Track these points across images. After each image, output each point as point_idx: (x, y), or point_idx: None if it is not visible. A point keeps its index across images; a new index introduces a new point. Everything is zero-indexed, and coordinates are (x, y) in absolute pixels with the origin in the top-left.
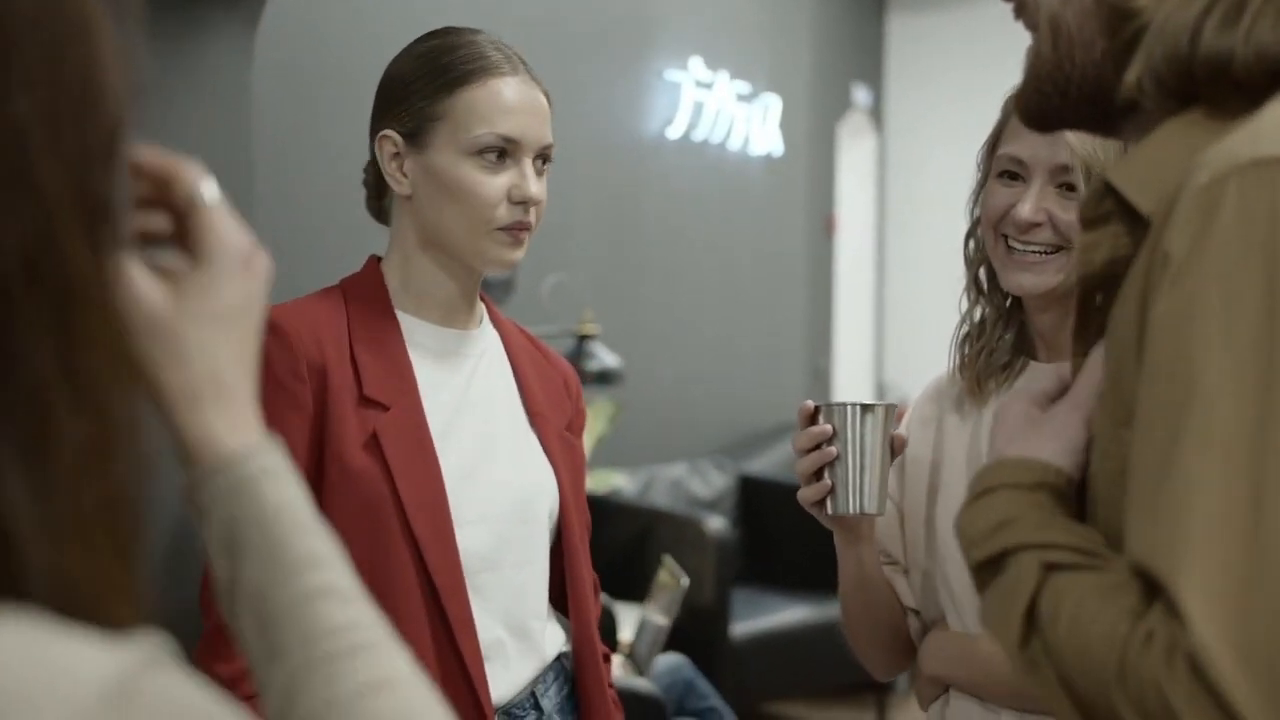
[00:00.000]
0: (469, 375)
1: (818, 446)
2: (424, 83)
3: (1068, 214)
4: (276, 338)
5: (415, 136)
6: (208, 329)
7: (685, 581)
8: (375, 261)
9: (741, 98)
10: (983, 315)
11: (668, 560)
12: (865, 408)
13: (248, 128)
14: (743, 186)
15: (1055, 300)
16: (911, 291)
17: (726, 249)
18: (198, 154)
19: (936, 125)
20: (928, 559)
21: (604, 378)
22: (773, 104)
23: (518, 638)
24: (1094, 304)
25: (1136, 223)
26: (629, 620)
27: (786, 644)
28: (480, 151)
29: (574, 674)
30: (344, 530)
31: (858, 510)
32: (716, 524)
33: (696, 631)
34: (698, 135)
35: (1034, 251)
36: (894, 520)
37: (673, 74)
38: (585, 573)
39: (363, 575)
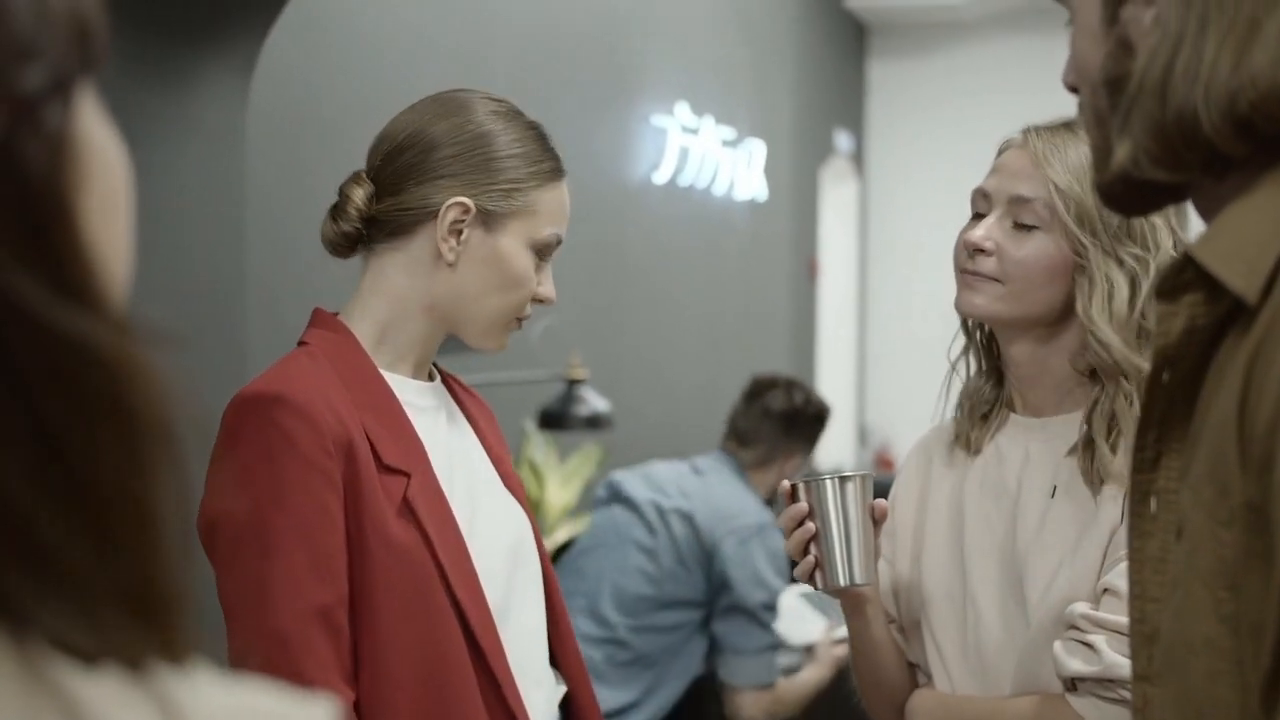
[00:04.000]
0: (449, 427)
1: (801, 523)
2: (523, 167)
3: (1018, 249)
4: (295, 413)
5: (494, 215)
6: None
7: None
8: (332, 316)
9: (726, 143)
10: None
11: None
12: (841, 480)
13: (241, 172)
14: (727, 231)
15: (1024, 342)
16: (893, 335)
17: (711, 293)
18: (191, 198)
19: (917, 170)
20: (916, 616)
21: (593, 422)
22: (756, 149)
23: (533, 683)
24: (1162, 380)
25: (1216, 295)
26: None
27: None
28: (539, 248)
29: (570, 694)
30: (393, 609)
31: (847, 582)
32: None
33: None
34: (683, 180)
35: (976, 274)
36: (887, 579)
37: (659, 119)
38: (564, 612)
39: (416, 653)
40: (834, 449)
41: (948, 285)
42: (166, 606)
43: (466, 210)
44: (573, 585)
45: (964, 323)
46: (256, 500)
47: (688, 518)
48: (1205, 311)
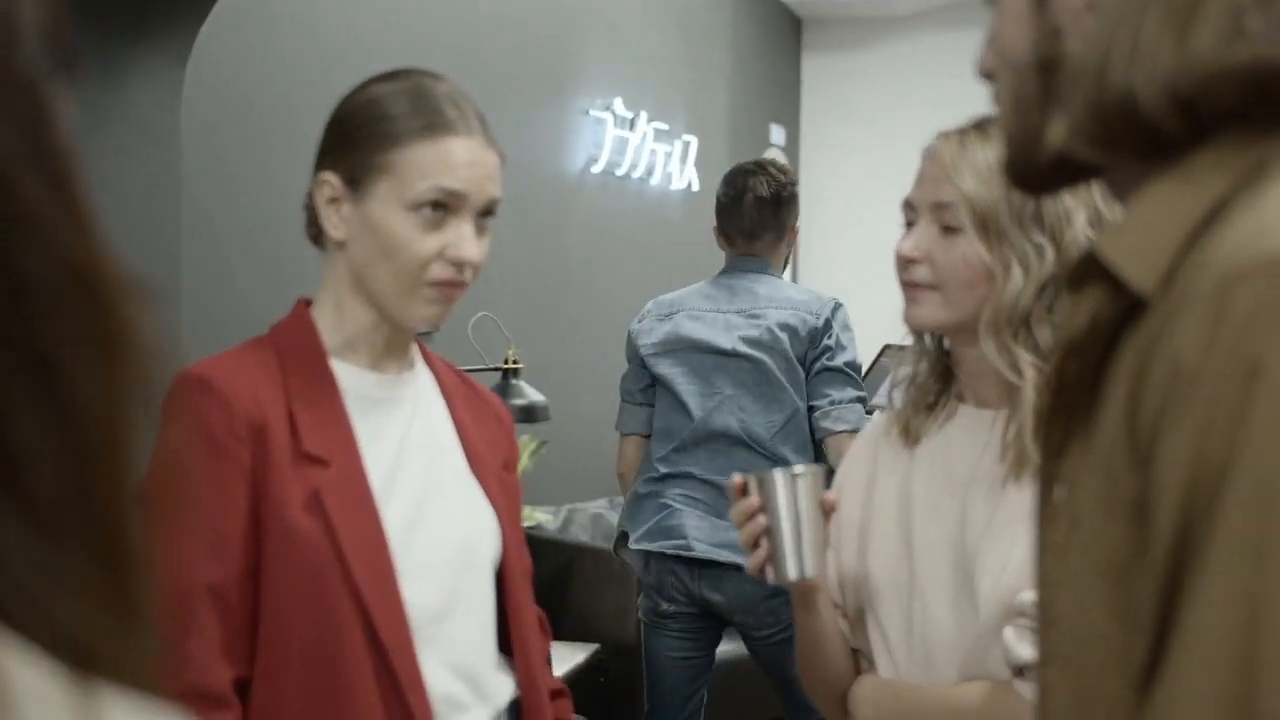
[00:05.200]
0: (407, 421)
1: (752, 517)
2: (371, 131)
3: (947, 255)
4: (212, 396)
5: (356, 184)
6: None
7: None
8: (305, 306)
9: (661, 135)
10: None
11: None
12: (793, 475)
13: (175, 164)
14: (663, 222)
15: (969, 341)
16: None
17: (646, 285)
18: (125, 190)
19: (849, 163)
20: (862, 604)
21: (529, 414)
22: (692, 142)
23: (471, 688)
24: (1073, 372)
25: (1119, 288)
26: (556, 657)
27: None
28: (419, 207)
29: (522, 714)
30: (288, 594)
31: (798, 576)
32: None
33: (619, 666)
34: (620, 172)
35: (913, 285)
36: (833, 567)
37: (596, 113)
38: (529, 613)
39: (309, 638)
40: None
41: (878, 275)
42: (129, 564)
43: (334, 185)
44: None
45: None
46: (161, 475)
47: (784, 326)
48: (1109, 303)
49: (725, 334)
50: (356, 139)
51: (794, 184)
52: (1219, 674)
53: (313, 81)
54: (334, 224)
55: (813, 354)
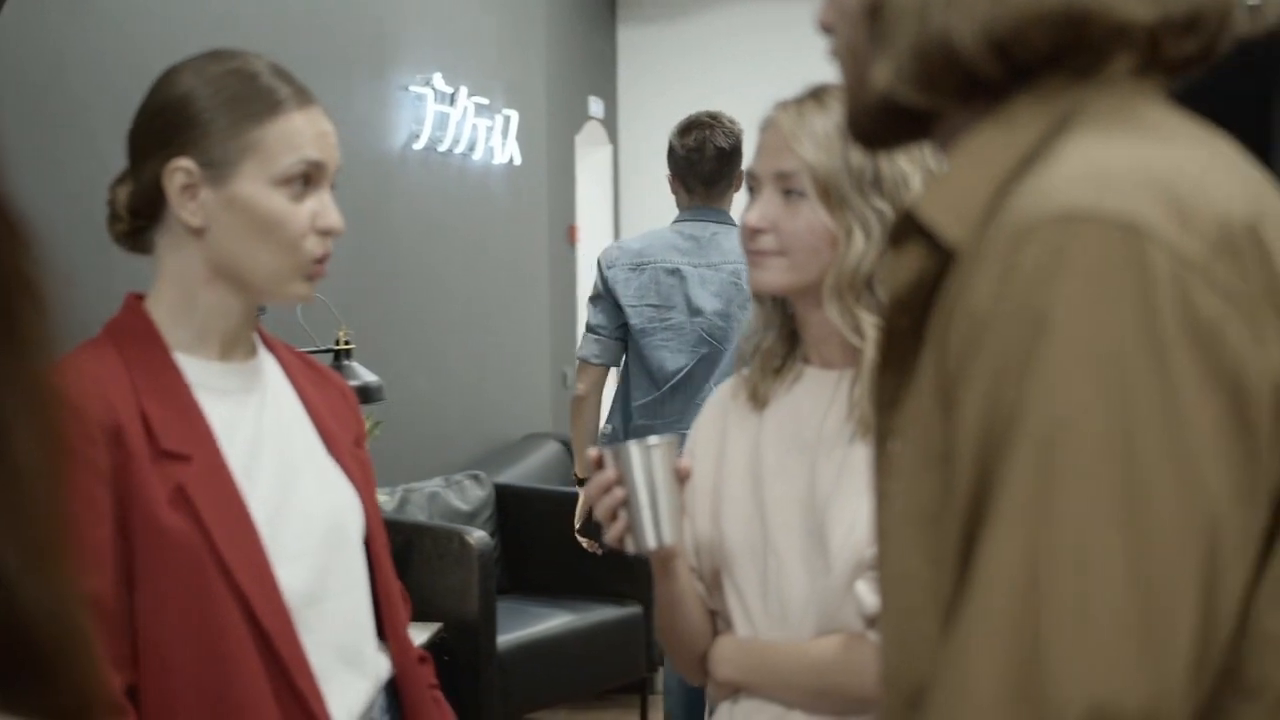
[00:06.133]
0: (258, 408)
1: (609, 490)
2: (228, 111)
3: (792, 222)
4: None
5: (217, 168)
6: None
7: None
8: (137, 300)
9: (481, 109)
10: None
11: None
12: (648, 447)
13: None
14: (487, 198)
15: (814, 305)
16: None
17: (474, 262)
18: None
19: (665, 133)
20: (717, 564)
21: (364, 394)
22: (512, 117)
23: (351, 666)
24: (900, 326)
25: (937, 243)
26: None
27: (550, 651)
28: (290, 181)
29: (396, 681)
30: (165, 593)
31: (656, 544)
32: (477, 536)
33: (462, 644)
34: (442, 147)
35: (761, 252)
36: (687, 531)
37: (416, 88)
38: (394, 584)
39: (191, 635)
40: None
41: None
42: (55, 551)
43: (189, 172)
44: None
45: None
46: None
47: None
48: (928, 258)
49: (701, 289)
50: (209, 120)
51: (742, 134)
52: (1006, 615)
53: (125, 60)
54: (190, 212)
55: None
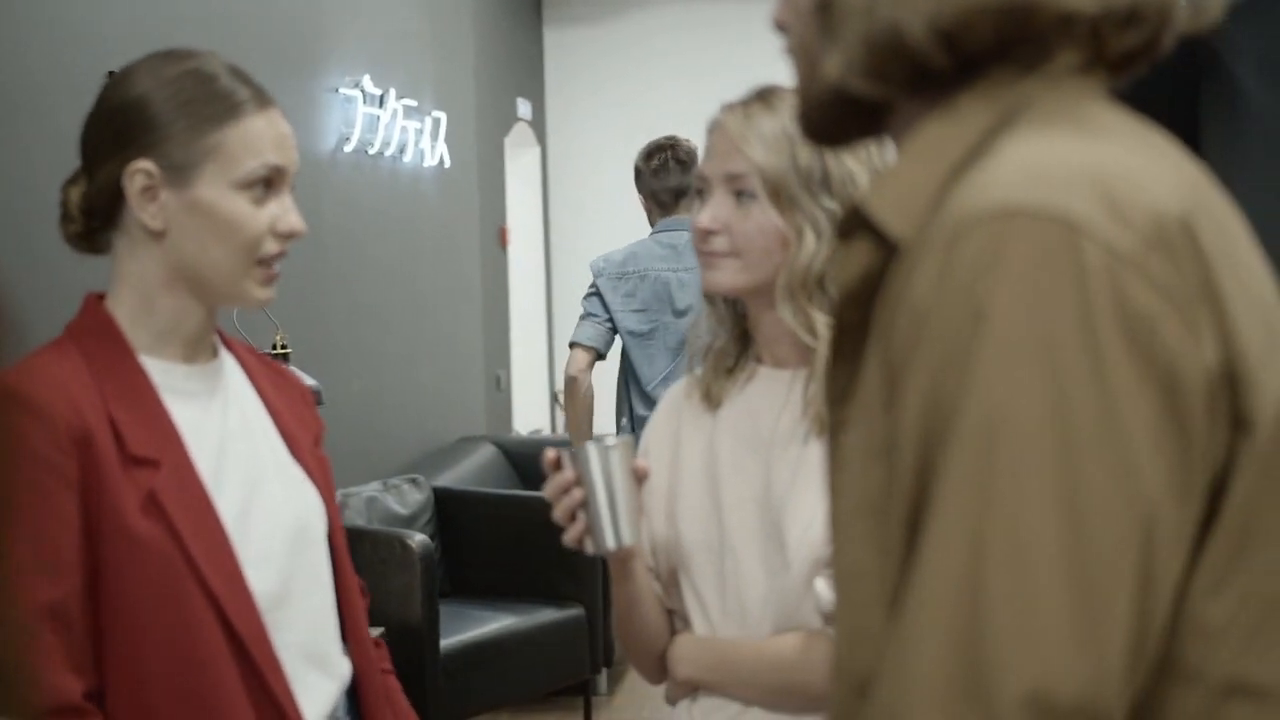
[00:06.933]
0: (223, 411)
1: (567, 491)
2: (187, 114)
3: (744, 223)
4: (29, 410)
5: (178, 170)
6: None
7: None
8: (97, 301)
9: (410, 112)
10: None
11: None
12: (605, 448)
13: None
14: (418, 200)
15: (766, 305)
16: (577, 297)
17: (406, 265)
18: None
19: (592, 134)
20: (674, 563)
21: None
22: (441, 118)
23: (317, 666)
24: (850, 320)
25: (884, 239)
26: None
27: (493, 654)
28: (251, 185)
29: (356, 683)
30: (136, 599)
31: (615, 545)
32: (418, 539)
33: (405, 649)
34: (372, 150)
35: (713, 253)
36: (643, 531)
37: (346, 90)
38: (353, 583)
39: (164, 640)
40: (529, 414)
41: (624, 242)
42: None
43: (150, 174)
44: None
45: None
46: None
47: None
48: (875, 252)
49: (682, 292)
50: (168, 123)
51: (696, 149)
52: (947, 604)
53: (50, 62)
54: (151, 214)
55: None
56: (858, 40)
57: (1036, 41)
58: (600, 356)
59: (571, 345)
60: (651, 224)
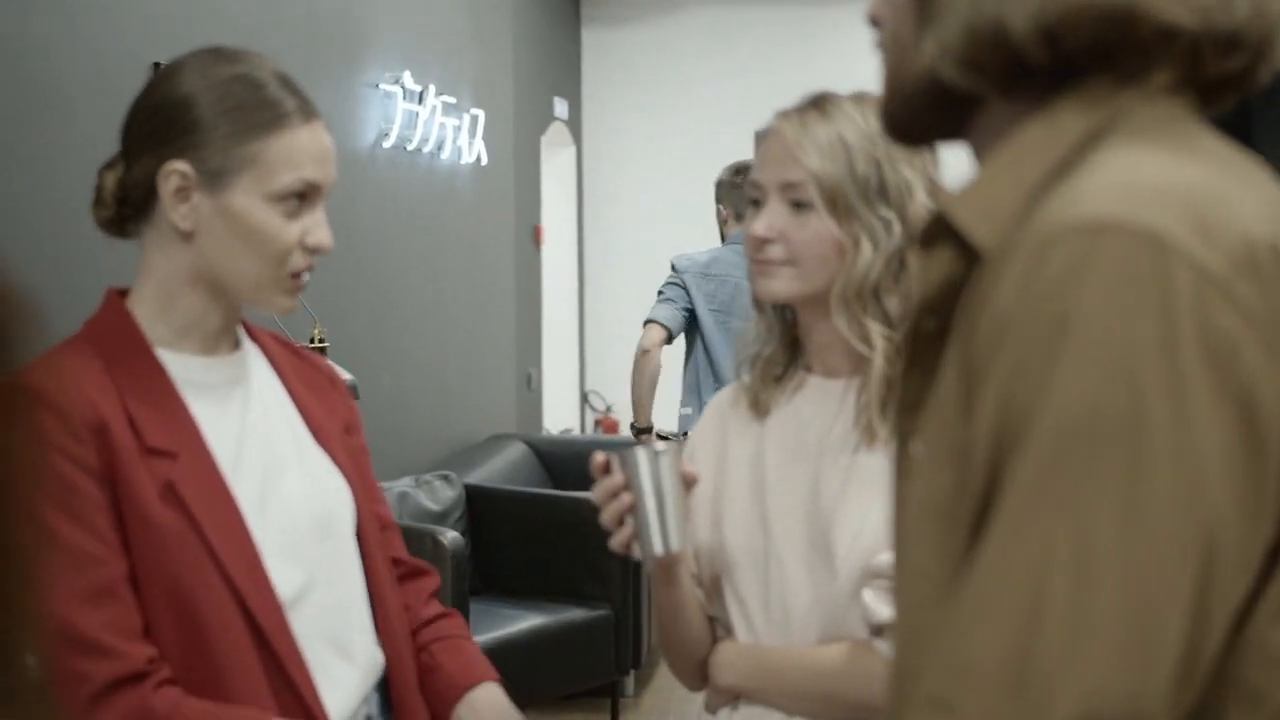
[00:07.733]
0: (243, 401)
1: (616, 495)
2: (231, 120)
3: (800, 232)
4: (45, 405)
5: (214, 175)
6: None
7: None
8: (118, 297)
9: (449, 109)
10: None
11: None
12: (655, 453)
13: None
14: (454, 197)
15: (820, 313)
16: (609, 298)
17: (441, 261)
18: None
19: (628, 135)
20: (717, 570)
21: None
22: (479, 117)
23: (343, 656)
24: (927, 328)
25: (967, 246)
26: None
27: (522, 652)
28: (285, 198)
29: (388, 677)
30: (155, 587)
31: (664, 551)
32: (450, 536)
33: None
34: (410, 146)
35: (768, 261)
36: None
37: (386, 86)
38: (386, 572)
39: (182, 630)
40: (560, 413)
41: (659, 247)
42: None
43: (185, 176)
44: None
45: (755, 297)
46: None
47: None
48: (958, 261)
49: None
50: (210, 128)
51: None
52: (1006, 604)
53: (96, 54)
54: (182, 215)
55: None
56: (959, 28)
57: (1136, 53)
58: (670, 339)
59: (647, 322)
60: (723, 236)
